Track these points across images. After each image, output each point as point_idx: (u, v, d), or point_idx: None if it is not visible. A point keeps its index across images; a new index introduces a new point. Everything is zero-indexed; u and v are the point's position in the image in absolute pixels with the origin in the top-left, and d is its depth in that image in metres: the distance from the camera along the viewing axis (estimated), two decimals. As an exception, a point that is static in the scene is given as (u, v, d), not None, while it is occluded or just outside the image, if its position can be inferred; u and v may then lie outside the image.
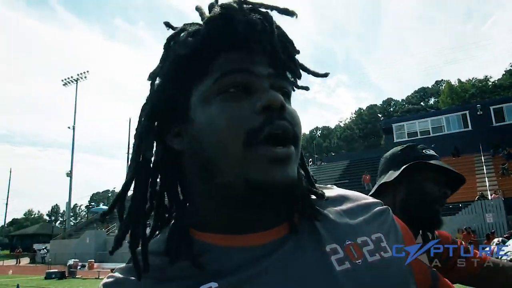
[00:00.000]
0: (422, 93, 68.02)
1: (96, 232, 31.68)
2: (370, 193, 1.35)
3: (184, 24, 0.63)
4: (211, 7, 0.61)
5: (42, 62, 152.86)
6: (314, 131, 77.32)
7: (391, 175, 1.43)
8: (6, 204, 67.03)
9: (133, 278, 0.58)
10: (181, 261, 0.57)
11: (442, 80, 65.81)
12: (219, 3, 0.60)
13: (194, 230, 0.61)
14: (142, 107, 0.64)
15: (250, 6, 0.59)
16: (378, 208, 0.67)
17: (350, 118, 73.37)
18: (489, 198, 20.45)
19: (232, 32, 0.56)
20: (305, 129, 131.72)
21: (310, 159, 38.56)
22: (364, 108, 71.05)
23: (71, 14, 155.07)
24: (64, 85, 42.98)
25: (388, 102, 70.33)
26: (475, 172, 25.51)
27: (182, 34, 0.60)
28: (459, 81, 59.87)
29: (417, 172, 1.40)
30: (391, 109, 68.25)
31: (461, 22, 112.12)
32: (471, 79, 61.31)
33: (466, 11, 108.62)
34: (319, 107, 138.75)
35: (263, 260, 0.56)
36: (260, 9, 0.59)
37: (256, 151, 0.53)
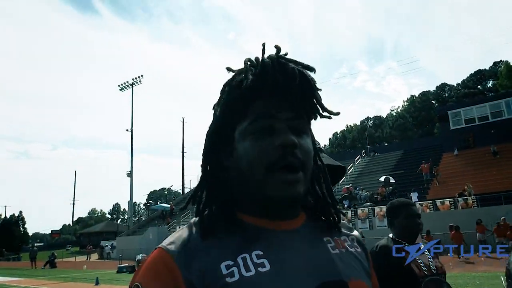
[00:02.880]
0: (479, 76, 64.62)
1: (158, 228, 33.24)
2: None
3: (237, 71, 0.85)
4: (256, 60, 0.82)
5: (98, 68, 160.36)
6: (365, 121, 75.79)
7: None
8: (73, 204, 71.71)
9: (195, 238, 0.76)
10: (229, 234, 0.77)
11: (500, 61, 62.25)
12: (260, 59, 0.81)
13: (237, 212, 0.82)
14: (207, 131, 0.87)
15: (282, 61, 0.80)
16: (352, 227, 0.98)
17: (402, 106, 71.36)
18: (557, 184, 19.47)
19: (265, 85, 0.78)
20: (356, 119, 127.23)
21: (363, 150, 38.17)
22: (417, 95, 68.84)
23: (118, 18, 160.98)
24: (120, 90, 45.15)
25: (442, 87, 67.65)
26: (540, 157, 24.31)
27: (232, 83, 0.83)
28: (519, 61, 56.53)
29: None
30: (446, 95, 65.63)
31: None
32: (532, 58, 57.67)
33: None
34: (369, 96, 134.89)
35: (289, 239, 0.79)
36: (289, 64, 0.80)
37: (273, 176, 0.75)
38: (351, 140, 69.47)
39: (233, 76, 0.84)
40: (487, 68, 64.56)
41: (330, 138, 77.36)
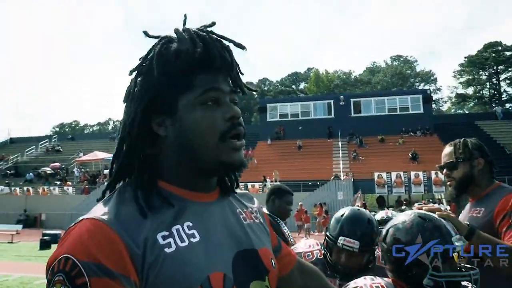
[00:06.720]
0: (295, 77, 72.31)
1: None
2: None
3: (163, 38, 0.85)
4: (186, 32, 0.84)
5: None
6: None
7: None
8: None
9: (128, 209, 0.75)
10: (160, 205, 0.79)
11: (313, 67, 70.88)
12: (191, 30, 0.84)
13: (160, 181, 0.84)
14: (130, 96, 0.86)
15: (217, 37, 0.86)
16: (252, 196, 1.10)
17: (226, 92, 74.36)
18: (342, 178, 23.69)
19: (209, 59, 0.82)
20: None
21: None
22: (241, 84, 72.73)
23: None
24: None
25: (264, 81, 73.11)
26: (333, 155, 28.87)
27: (167, 52, 0.82)
28: (326, 71, 65.52)
29: None
30: (266, 88, 71.39)
31: (335, 15, 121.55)
32: (337, 70, 67.67)
33: (338, 5, 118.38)
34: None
35: (211, 211, 0.86)
36: (222, 41, 0.87)
37: (225, 144, 0.82)
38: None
39: (163, 44, 0.84)
40: (302, 72, 72.76)
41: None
